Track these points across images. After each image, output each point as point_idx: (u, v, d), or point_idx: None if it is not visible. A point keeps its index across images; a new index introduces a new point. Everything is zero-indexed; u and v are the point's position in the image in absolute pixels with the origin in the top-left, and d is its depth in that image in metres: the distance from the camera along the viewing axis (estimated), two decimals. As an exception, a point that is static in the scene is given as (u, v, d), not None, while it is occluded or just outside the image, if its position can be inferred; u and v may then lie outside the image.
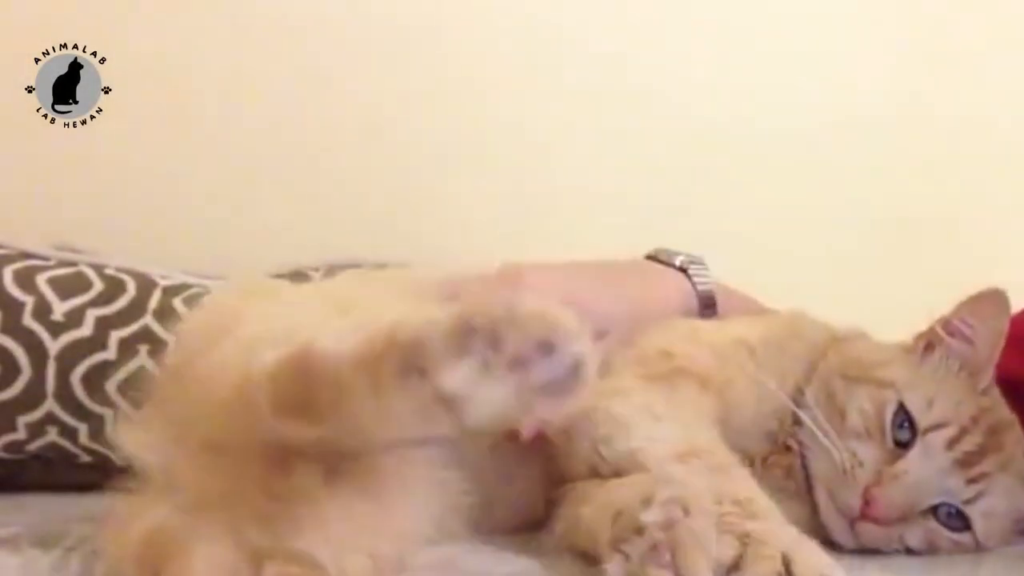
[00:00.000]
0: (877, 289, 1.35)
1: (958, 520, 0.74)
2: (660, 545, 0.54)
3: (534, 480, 0.75)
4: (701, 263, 0.90)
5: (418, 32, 1.41)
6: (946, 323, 0.77)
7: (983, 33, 1.50)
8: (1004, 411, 0.78)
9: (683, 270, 0.89)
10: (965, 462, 0.73)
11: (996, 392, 0.78)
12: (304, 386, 0.49)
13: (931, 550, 0.74)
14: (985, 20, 1.51)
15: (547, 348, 0.42)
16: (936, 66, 1.48)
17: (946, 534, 0.74)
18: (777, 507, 0.65)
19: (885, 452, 0.73)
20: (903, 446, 0.73)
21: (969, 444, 0.73)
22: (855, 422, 0.74)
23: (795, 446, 0.77)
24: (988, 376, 0.77)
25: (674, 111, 1.45)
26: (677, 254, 0.91)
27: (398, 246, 1.21)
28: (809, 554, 0.56)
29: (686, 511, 0.55)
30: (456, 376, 0.42)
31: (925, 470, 0.72)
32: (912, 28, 1.50)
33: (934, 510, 0.74)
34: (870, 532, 0.72)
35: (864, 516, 0.72)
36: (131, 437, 0.64)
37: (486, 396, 0.42)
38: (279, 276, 1.09)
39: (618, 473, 0.67)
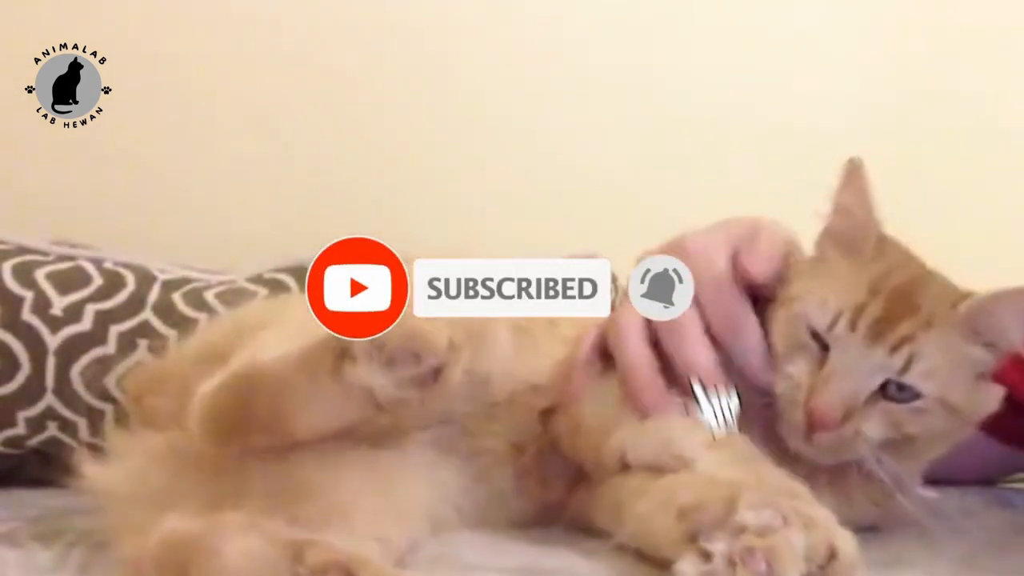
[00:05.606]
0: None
1: (906, 392, 0.72)
2: (756, 551, 0.54)
3: (554, 474, 0.76)
4: None
5: (422, 27, 1.40)
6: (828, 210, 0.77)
7: (983, 30, 1.50)
8: (911, 271, 0.76)
9: None
10: (878, 335, 0.71)
11: (894, 252, 0.76)
12: (241, 404, 0.61)
13: (899, 432, 0.72)
14: (984, 18, 1.50)
15: (415, 356, 0.59)
16: (938, 63, 1.48)
17: (898, 408, 0.72)
18: None
19: (812, 364, 0.72)
20: (827, 351, 0.72)
21: (869, 318, 0.71)
22: (779, 347, 0.74)
23: None
24: (872, 238, 0.75)
25: (679, 107, 1.45)
26: None
27: (400, 241, 1.20)
28: (844, 536, 0.57)
29: (786, 520, 0.56)
30: (363, 370, 0.59)
31: (845, 361, 0.71)
32: (912, 26, 1.50)
33: (883, 393, 0.72)
34: (825, 440, 0.71)
35: (812, 428, 0.71)
36: (101, 471, 0.66)
37: (377, 383, 0.59)
38: (281, 271, 1.10)
39: (653, 461, 0.69)
